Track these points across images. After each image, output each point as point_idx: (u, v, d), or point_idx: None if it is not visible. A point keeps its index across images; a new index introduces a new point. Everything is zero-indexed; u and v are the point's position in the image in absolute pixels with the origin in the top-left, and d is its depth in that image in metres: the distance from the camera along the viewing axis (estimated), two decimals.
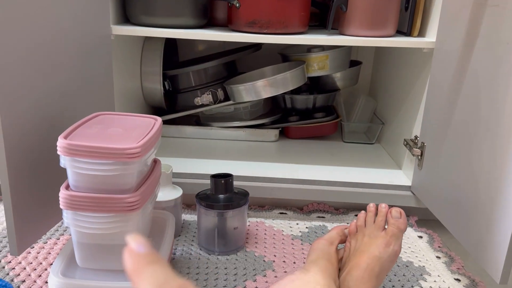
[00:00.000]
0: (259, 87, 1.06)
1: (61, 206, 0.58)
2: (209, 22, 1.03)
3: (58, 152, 0.57)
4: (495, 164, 0.66)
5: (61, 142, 0.56)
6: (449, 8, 0.82)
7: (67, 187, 0.59)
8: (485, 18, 0.70)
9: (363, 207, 0.97)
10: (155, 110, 1.29)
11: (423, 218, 1.01)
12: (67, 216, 0.59)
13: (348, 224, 0.74)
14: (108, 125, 0.65)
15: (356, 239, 0.70)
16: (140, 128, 0.65)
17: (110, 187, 0.58)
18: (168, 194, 0.85)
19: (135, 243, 0.17)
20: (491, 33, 0.69)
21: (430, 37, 0.91)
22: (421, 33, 0.96)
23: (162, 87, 1.17)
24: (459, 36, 0.77)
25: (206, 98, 1.17)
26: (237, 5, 0.89)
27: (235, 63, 1.27)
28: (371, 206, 0.72)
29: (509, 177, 0.63)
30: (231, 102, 1.15)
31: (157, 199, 0.82)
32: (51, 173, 0.70)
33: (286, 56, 1.21)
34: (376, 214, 0.72)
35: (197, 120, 1.27)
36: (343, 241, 0.72)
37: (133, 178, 0.59)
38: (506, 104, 0.64)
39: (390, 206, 1.04)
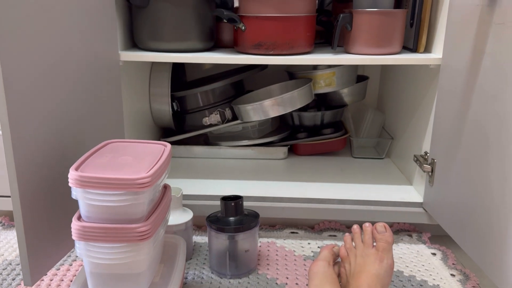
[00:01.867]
0: (266, 107, 1.07)
1: (73, 237, 0.59)
2: (215, 44, 1.04)
3: (70, 184, 0.57)
4: (507, 181, 0.66)
5: (72, 174, 0.57)
6: (454, 25, 0.82)
7: (79, 218, 0.60)
8: (490, 36, 0.70)
9: None
10: (164, 130, 1.30)
11: (436, 234, 1.00)
12: (80, 247, 0.60)
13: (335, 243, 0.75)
14: (118, 153, 0.65)
15: (349, 262, 0.72)
16: (150, 156, 0.65)
17: (121, 216, 0.59)
18: (178, 217, 0.85)
19: None
20: (497, 51, 0.69)
21: (437, 53, 0.91)
22: (428, 49, 0.96)
23: (170, 108, 1.18)
24: (466, 53, 0.77)
25: (214, 118, 1.18)
26: (243, 28, 0.90)
27: (242, 81, 1.28)
28: (355, 228, 0.76)
29: None
30: (239, 121, 1.16)
31: (168, 223, 0.82)
32: (63, 201, 0.71)
33: (293, 74, 1.21)
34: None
35: (205, 139, 1.28)
36: (335, 259, 0.75)
37: (144, 207, 0.60)
38: None
39: (403, 223, 1.03)
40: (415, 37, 0.95)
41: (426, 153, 0.95)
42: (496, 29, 0.69)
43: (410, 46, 0.97)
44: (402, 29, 0.91)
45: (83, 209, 0.59)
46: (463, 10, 0.79)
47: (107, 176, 0.56)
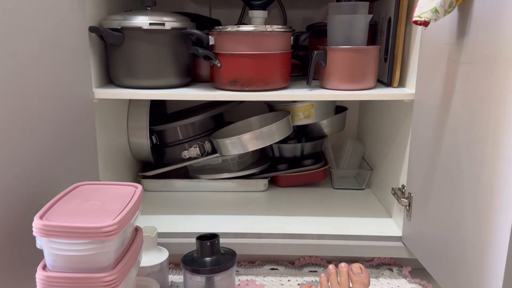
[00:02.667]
0: (245, 141, 1.07)
1: None
2: (194, 78, 1.04)
3: (34, 234, 0.56)
4: (480, 216, 0.65)
5: (36, 223, 0.55)
6: (425, 62, 0.83)
7: (44, 267, 0.58)
8: (459, 74, 0.71)
9: (356, 260, 0.96)
10: (143, 164, 1.29)
11: (417, 267, 0.99)
12: None
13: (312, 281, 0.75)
14: (86, 198, 0.64)
15: None
16: (119, 199, 0.64)
17: (88, 265, 0.57)
18: (153, 258, 0.83)
19: None
20: (466, 89, 0.70)
21: (410, 88, 0.92)
22: (402, 83, 0.97)
23: (149, 142, 1.17)
24: (437, 90, 0.78)
25: (194, 151, 1.17)
26: (219, 65, 0.90)
27: (222, 113, 1.28)
28: (331, 268, 0.76)
29: (495, 230, 0.62)
30: (218, 154, 1.15)
31: (141, 265, 0.80)
32: (31, 249, 0.69)
33: (272, 106, 1.22)
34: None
35: (186, 172, 1.27)
36: None
37: (111, 255, 0.58)
38: (485, 157, 0.64)
39: (383, 258, 1.02)
40: (389, 72, 0.96)
41: (403, 186, 0.95)
42: (464, 68, 0.70)
43: (385, 80, 0.98)
44: (375, 65, 0.93)
45: (48, 258, 0.58)
46: (433, 48, 0.80)
47: (72, 224, 0.55)
